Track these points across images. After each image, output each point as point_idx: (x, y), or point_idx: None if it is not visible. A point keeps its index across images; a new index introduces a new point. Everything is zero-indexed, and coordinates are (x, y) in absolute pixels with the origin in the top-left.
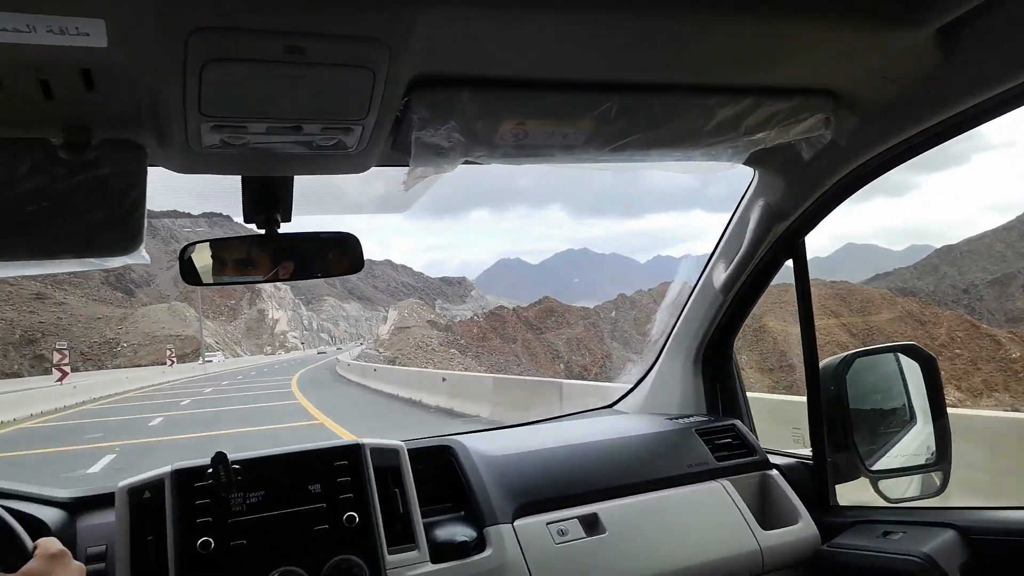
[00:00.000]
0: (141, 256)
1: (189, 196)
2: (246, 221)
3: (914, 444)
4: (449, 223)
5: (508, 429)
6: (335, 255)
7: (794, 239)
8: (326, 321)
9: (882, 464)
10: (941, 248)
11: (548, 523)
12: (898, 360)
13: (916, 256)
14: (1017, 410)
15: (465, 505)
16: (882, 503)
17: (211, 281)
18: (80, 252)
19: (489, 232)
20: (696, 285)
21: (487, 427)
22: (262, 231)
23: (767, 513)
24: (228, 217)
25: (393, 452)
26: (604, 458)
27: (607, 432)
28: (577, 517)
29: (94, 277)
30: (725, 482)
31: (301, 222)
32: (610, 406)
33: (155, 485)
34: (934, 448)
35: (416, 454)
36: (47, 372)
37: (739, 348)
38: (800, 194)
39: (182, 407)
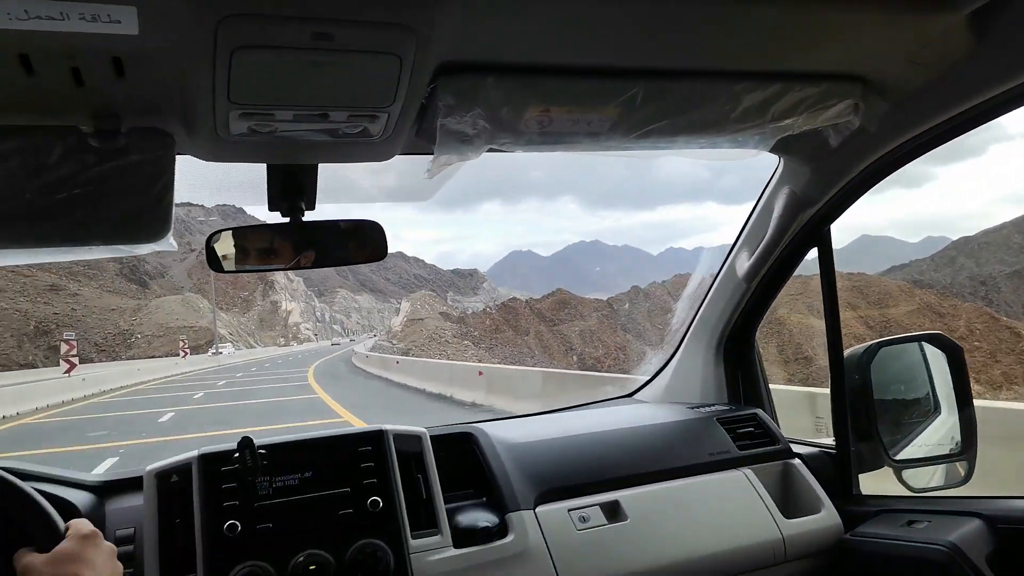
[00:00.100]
0: (169, 243)
1: (203, 188)
2: (270, 209)
3: (938, 434)
4: (460, 215)
5: (528, 417)
6: (359, 243)
7: (819, 227)
8: (338, 313)
9: (906, 454)
10: (958, 240)
11: (569, 510)
12: (922, 349)
13: (932, 248)
14: None
15: (487, 491)
16: (906, 493)
17: (236, 269)
18: (110, 239)
19: (500, 224)
20: (718, 274)
21: (507, 416)
22: (286, 219)
23: (790, 502)
24: (241, 209)
25: (415, 438)
26: (625, 446)
27: (628, 420)
28: (598, 504)
29: (108, 269)
30: (747, 471)
31: (319, 210)
32: (630, 395)
33: (182, 469)
34: (959, 438)
35: (438, 441)
36: (60, 363)
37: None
38: (826, 181)
39: (195, 401)
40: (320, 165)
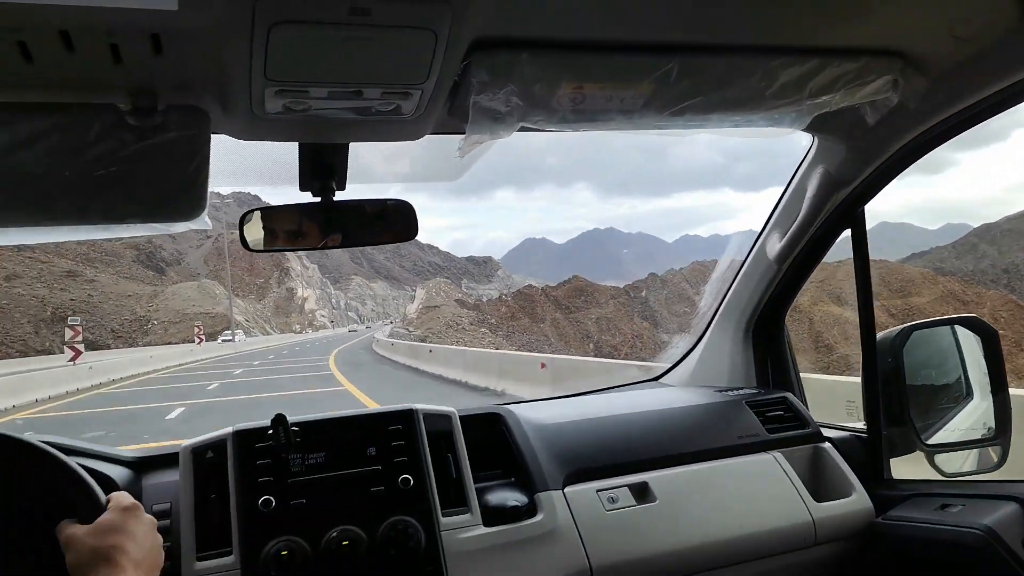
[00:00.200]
0: (204, 222)
1: (220, 175)
2: (302, 189)
3: (971, 418)
4: (475, 203)
5: (555, 400)
6: (390, 222)
7: (854, 208)
8: (353, 300)
9: (938, 438)
10: (980, 227)
11: (598, 490)
12: (954, 333)
13: (952, 235)
14: None
15: (515, 472)
16: (937, 478)
17: (268, 248)
18: (147, 217)
19: (515, 211)
20: (747, 256)
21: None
22: (318, 199)
23: (820, 486)
24: (256, 196)
25: (445, 418)
26: (653, 428)
27: (655, 403)
28: (627, 485)
29: (125, 255)
30: (777, 454)
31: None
32: (656, 379)
33: (217, 445)
34: (992, 423)
35: (467, 421)
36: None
37: None
38: (862, 160)
39: (209, 393)
40: (350, 146)
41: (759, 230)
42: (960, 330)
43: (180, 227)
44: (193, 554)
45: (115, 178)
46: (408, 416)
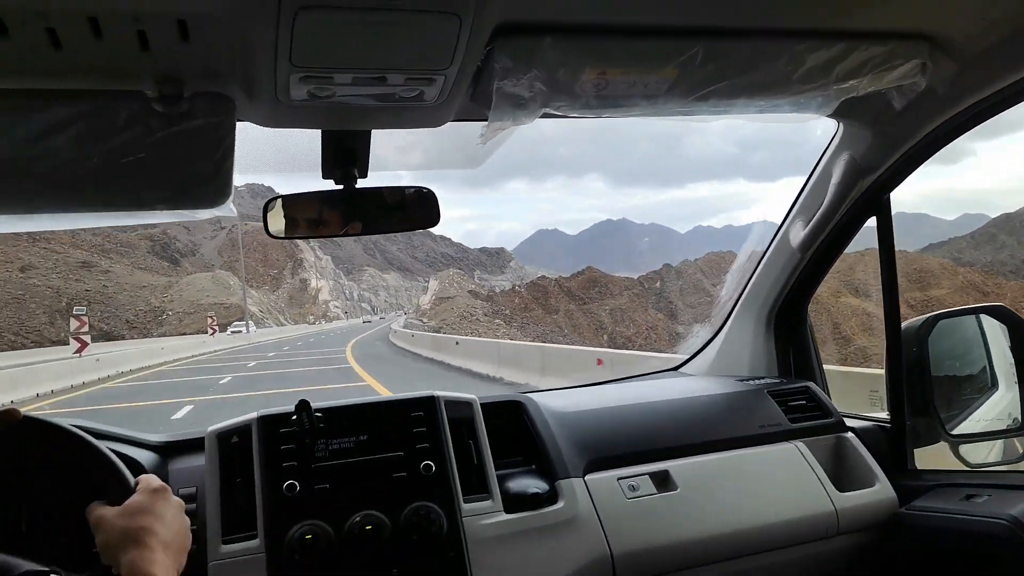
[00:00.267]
0: (229, 208)
1: (240, 164)
2: (324, 176)
3: (996, 409)
4: (487, 194)
5: (575, 389)
6: (412, 209)
7: (879, 195)
8: (366, 291)
9: (963, 428)
10: (999, 217)
11: (619, 478)
12: (979, 322)
13: (969, 225)
14: None
15: (536, 459)
16: (961, 468)
17: (290, 235)
18: (173, 204)
19: (527, 202)
20: (770, 245)
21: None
22: (340, 187)
23: (843, 475)
24: (270, 188)
25: (467, 404)
26: (674, 417)
27: (676, 392)
28: (648, 474)
29: (140, 246)
30: (799, 443)
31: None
32: (675, 369)
33: (243, 430)
34: (1018, 413)
35: (488, 409)
36: (92, 340)
37: None
38: (888, 146)
39: (220, 388)
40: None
41: (780, 219)
42: (985, 319)
43: (205, 214)
44: (219, 537)
45: (142, 165)
46: (430, 403)
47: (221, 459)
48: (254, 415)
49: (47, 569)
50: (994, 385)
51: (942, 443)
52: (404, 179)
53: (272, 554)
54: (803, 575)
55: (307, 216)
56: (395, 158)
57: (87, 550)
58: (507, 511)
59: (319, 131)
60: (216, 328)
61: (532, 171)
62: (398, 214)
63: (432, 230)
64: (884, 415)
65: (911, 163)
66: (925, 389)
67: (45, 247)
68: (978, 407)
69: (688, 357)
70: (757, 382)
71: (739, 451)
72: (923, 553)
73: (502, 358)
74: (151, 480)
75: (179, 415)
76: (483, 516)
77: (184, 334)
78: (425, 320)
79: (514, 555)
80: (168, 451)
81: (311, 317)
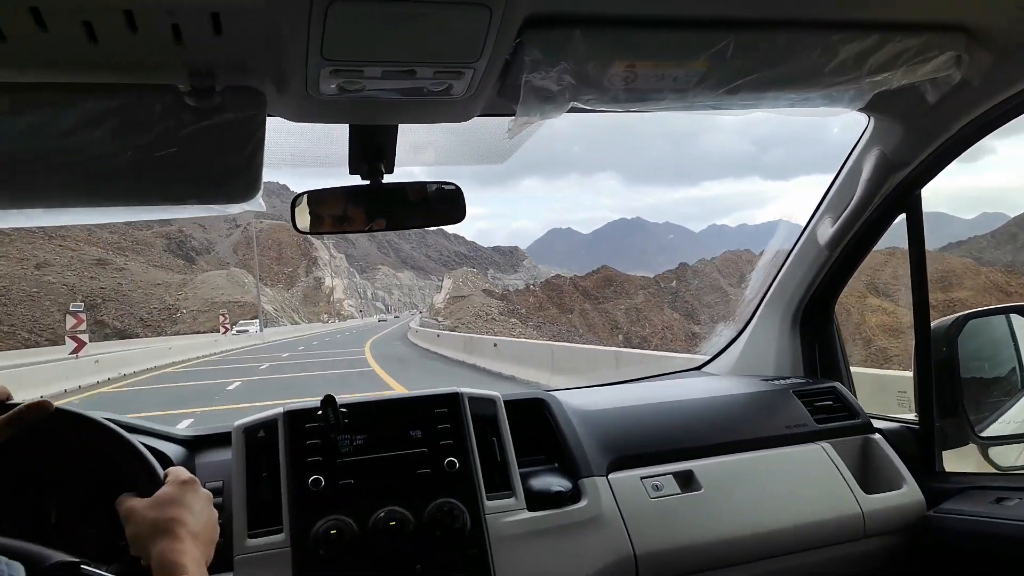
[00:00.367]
0: (258, 203)
1: (268, 159)
2: (351, 171)
3: None
4: (499, 192)
5: (598, 387)
6: (437, 204)
7: (910, 191)
8: (380, 290)
9: (993, 430)
10: (1020, 216)
11: (642, 478)
12: (1010, 322)
13: (989, 224)
14: None
15: (559, 457)
16: (990, 471)
17: (316, 231)
18: (204, 198)
19: (540, 201)
20: (797, 242)
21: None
22: (366, 182)
23: (870, 477)
24: (285, 186)
25: (490, 402)
26: (698, 416)
27: (700, 391)
28: (671, 473)
29: (155, 244)
30: (825, 444)
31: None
32: (699, 368)
33: (269, 425)
34: None
35: (511, 406)
36: (106, 338)
37: None
38: (920, 141)
39: (229, 394)
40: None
41: (797, 217)
42: (1016, 319)
43: (236, 208)
44: (245, 531)
45: (174, 159)
46: (454, 399)
47: (247, 453)
48: (280, 410)
49: (77, 560)
50: None
51: (971, 445)
52: (418, 175)
53: (297, 548)
54: None
55: (332, 212)
56: (417, 154)
57: (116, 541)
58: (530, 509)
59: (345, 126)
60: (228, 326)
61: (545, 169)
62: (423, 210)
63: (445, 228)
64: (912, 416)
65: (943, 159)
66: (954, 390)
67: (60, 244)
68: (1008, 408)
69: (711, 356)
70: (783, 382)
71: (764, 451)
72: (952, 557)
73: (557, 363)
74: (180, 472)
75: (183, 427)
76: (506, 513)
77: (198, 332)
78: (440, 319)
79: (537, 553)
80: (195, 445)
81: (325, 316)
